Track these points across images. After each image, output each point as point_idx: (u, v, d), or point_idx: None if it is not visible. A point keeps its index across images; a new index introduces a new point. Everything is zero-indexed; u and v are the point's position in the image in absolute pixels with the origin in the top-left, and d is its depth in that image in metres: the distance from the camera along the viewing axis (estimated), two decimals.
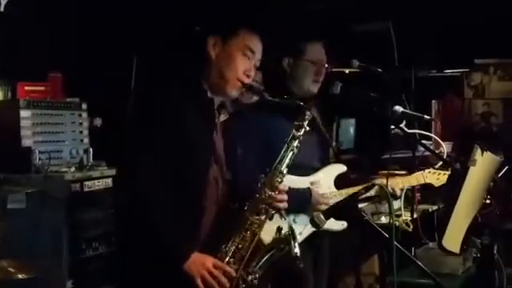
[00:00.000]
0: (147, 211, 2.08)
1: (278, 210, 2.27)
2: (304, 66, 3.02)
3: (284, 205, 2.29)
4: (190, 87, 2.23)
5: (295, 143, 2.28)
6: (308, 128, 2.32)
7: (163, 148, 2.11)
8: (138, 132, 2.15)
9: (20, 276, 2.30)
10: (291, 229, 2.21)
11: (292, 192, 2.93)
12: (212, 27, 2.30)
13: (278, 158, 2.27)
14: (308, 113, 2.31)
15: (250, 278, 2.15)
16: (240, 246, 2.17)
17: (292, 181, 2.93)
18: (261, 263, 2.18)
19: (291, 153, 2.28)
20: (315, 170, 3.06)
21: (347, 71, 4.08)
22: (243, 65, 2.25)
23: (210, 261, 2.10)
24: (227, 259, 2.15)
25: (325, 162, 3.12)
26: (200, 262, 2.08)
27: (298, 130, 2.29)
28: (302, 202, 2.93)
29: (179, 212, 2.11)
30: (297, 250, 2.17)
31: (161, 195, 2.10)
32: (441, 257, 3.02)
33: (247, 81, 2.25)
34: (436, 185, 3.22)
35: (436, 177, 3.21)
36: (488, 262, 3.04)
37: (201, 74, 2.26)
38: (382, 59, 3.32)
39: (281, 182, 2.27)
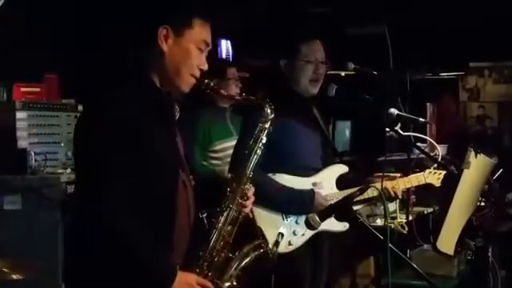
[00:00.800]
0: (123, 239, 1.96)
1: (245, 216, 2.19)
2: (300, 66, 3.03)
3: (248, 209, 2.20)
4: (143, 88, 2.05)
5: (259, 145, 2.19)
6: (271, 128, 2.21)
7: (126, 166, 1.95)
8: (97, 150, 1.95)
9: (15, 277, 2.29)
10: (261, 230, 2.19)
11: (295, 193, 2.96)
12: (163, 17, 2.07)
13: (248, 163, 2.17)
14: (269, 111, 2.20)
15: (226, 285, 2.12)
16: (216, 257, 2.11)
17: (294, 182, 2.98)
18: (235, 270, 2.14)
19: (256, 156, 2.18)
20: (317, 170, 3.07)
21: (343, 74, 4.08)
22: (198, 59, 2.10)
23: (193, 278, 2.04)
24: (205, 273, 2.09)
25: (326, 163, 3.12)
26: (185, 282, 2.01)
27: (262, 132, 2.19)
28: (305, 203, 2.94)
29: (156, 231, 2.00)
30: (275, 249, 2.15)
31: (133, 218, 1.96)
32: (435, 259, 3.03)
33: (199, 75, 2.11)
34: (437, 185, 3.22)
35: (437, 177, 3.21)
36: (482, 264, 3.06)
37: (152, 70, 2.08)
38: (378, 62, 3.32)
39: (248, 188, 2.17)
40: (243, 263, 2.15)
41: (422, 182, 3.23)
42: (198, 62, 2.11)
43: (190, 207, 2.14)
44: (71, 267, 2.09)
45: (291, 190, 2.96)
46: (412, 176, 3.21)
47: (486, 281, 3.07)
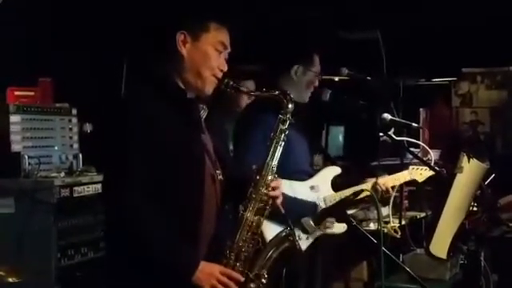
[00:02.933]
0: (147, 231, 2.05)
1: (274, 207, 2.25)
2: (310, 75, 3.07)
3: (279, 200, 2.26)
4: (167, 90, 2.17)
5: (282, 137, 2.25)
6: (293, 121, 2.29)
7: (151, 161, 2.06)
8: (123, 148, 2.07)
9: (10, 280, 2.29)
10: (289, 223, 2.23)
11: (299, 203, 2.96)
12: (180, 23, 2.19)
13: (269, 154, 2.23)
14: (290, 105, 2.27)
15: (257, 282, 2.14)
16: (242, 248, 2.15)
17: (294, 186, 2.98)
18: (265, 262, 2.17)
19: (279, 147, 2.25)
20: (310, 175, 3.10)
21: (336, 79, 4.10)
22: (217, 60, 2.21)
23: (217, 269, 2.09)
24: (232, 264, 2.14)
25: (312, 166, 3.16)
26: (208, 272, 2.07)
27: (283, 124, 2.26)
28: (309, 214, 2.94)
29: (180, 224, 2.08)
30: (300, 245, 2.18)
31: (157, 212, 2.05)
32: (428, 263, 3.05)
33: (220, 76, 2.22)
34: (419, 180, 3.29)
35: (419, 172, 3.28)
36: (474, 269, 3.07)
37: (175, 74, 2.20)
38: (371, 67, 3.35)
39: (273, 179, 2.23)
40: (272, 255, 2.18)
41: (408, 179, 3.29)
42: (218, 63, 2.22)
43: (218, 200, 2.22)
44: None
45: (293, 199, 2.94)
46: (399, 174, 3.27)
47: (478, 285, 3.09)
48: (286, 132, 2.26)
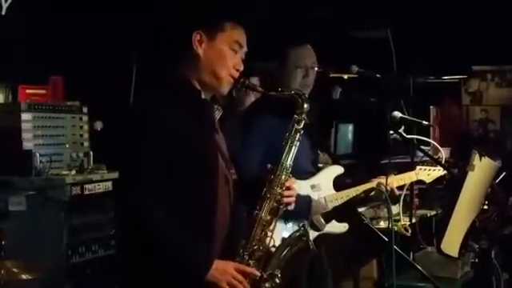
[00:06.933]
0: (160, 231, 2.05)
1: (287, 207, 2.26)
2: (289, 70, 3.01)
3: (292, 199, 2.27)
4: (182, 90, 2.17)
5: (297, 137, 2.26)
6: (308, 120, 2.29)
7: (165, 161, 2.06)
8: (136, 148, 2.07)
9: (24, 276, 2.31)
10: (303, 225, 2.23)
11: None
12: (196, 23, 2.19)
13: (284, 154, 2.24)
14: (306, 105, 2.27)
15: (271, 281, 2.14)
16: (256, 246, 2.16)
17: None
18: (279, 262, 2.17)
19: (294, 147, 2.25)
20: (311, 173, 3.06)
21: (346, 77, 4.10)
22: (233, 60, 2.19)
23: (231, 266, 2.09)
24: (246, 263, 2.14)
25: (316, 165, 3.12)
26: (222, 269, 2.07)
27: (298, 123, 2.26)
28: (302, 208, 2.90)
29: (193, 223, 2.08)
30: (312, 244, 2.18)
31: (171, 212, 2.05)
32: (439, 261, 3.04)
33: (237, 75, 2.21)
34: (427, 181, 3.27)
35: (427, 173, 3.26)
36: (486, 267, 3.06)
37: (191, 74, 2.19)
38: (381, 65, 3.34)
39: (287, 178, 2.24)
40: (286, 254, 2.17)
41: (414, 179, 3.27)
42: (233, 62, 2.21)
43: (231, 199, 2.22)
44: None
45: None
46: (405, 174, 3.24)
47: (489, 283, 3.08)
48: (302, 132, 2.26)
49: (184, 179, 2.09)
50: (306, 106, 2.27)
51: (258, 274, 2.13)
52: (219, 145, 2.23)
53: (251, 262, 2.15)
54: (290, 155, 2.24)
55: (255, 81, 3.72)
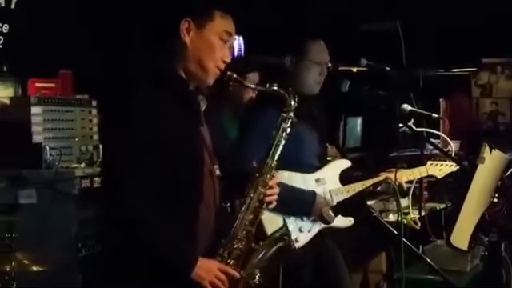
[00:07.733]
0: (145, 228, 2.01)
1: (269, 206, 2.22)
2: (307, 66, 2.99)
3: (274, 198, 2.22)
4: (169, 80, 2.09)
5: (283, 135, 2.20)
6: (295, 119, 2.23)
7: (150, 155, 2.00)
8: (121, 142, 2.00)
9: (34, 268, 2.32)
10: (285, 223, 2.22)
11: (297, 193, 2.91)
12: (184, 10, 2.11)
13: (270, 154, 2.19)
14: (293, 103, 2.22)
15: (249, 280, 2.12)
16: (236, 246, 2.13)
17: (297, 179, 2.93)
18: (258, 261, 2.16)
19: (280, 146, 2.20)
20: (316, 167, 3.04)
21: (355, 70, 4.09)
22: (221, 51, 2.13)
23: (215, 265, 2.08)
24: (226, 262, 2.12)
25: (323, 159, 3.11)
26: (207, 268, 2.05)
27: (285, 122, 2.21)
28: (306, 204, 2.91)
29: (178, 220, 2.04)
30: (294, 243, 2.16)
31: (155, 208, 2.01)
32: (449, 254, 3.03)
33: (223, 67, 2.14)
34: (438, 176, 3.23)
35: (438, 168, 3.22)
36: (495, 260, 3.06)
37: (177, 63, 2.11)
38: (390, 58, 3.32)
39: (271, 178, 2.19)
40: (266, 254, 2.16)
41: (424, 174, 3.24)
42: (221, 54, 2.14)
43: (216, 196, 2.17)
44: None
45: (292, 188, 2.90)
46: (415, 169, 3.21)
47: (498, 276, 3.07)
48: (288, 130, 2.21)
49: (168, 173, 2.04)
50: (293, 103, 2.22)
51: (238, 276, 2.10)
52: (204, 138, 2.18)
53: (231, 262, 2.12)
54: (276, 154, 2.19)
55: (255, 76, 3.71)
